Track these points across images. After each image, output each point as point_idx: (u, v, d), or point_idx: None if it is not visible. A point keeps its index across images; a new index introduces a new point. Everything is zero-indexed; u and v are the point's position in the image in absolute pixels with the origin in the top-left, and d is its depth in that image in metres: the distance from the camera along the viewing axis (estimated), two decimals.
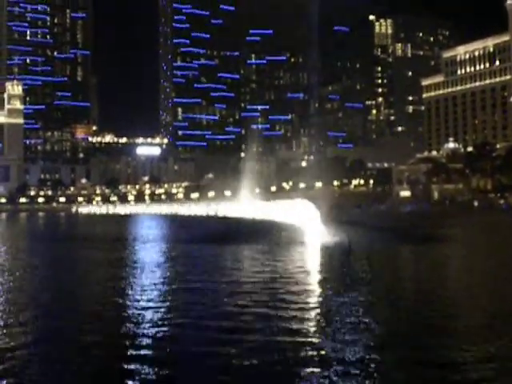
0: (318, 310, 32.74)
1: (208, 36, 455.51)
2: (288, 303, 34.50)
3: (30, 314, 33.63)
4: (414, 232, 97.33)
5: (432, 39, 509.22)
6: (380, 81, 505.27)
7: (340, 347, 25.21)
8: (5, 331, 29.15)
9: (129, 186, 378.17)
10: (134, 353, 25.49)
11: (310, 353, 24.56)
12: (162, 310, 34.04)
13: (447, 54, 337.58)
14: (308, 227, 72.08)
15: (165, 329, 29.48)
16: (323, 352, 24.67)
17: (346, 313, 31.71)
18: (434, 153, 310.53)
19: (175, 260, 60.36)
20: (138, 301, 36.75)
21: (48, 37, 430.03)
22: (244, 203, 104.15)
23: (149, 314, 32.43)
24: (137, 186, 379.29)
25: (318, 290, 39.77)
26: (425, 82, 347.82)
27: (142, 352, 25.58)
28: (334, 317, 30.89)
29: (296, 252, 63.29)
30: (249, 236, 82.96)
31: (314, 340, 26.53)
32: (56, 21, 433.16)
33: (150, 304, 35.54)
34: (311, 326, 29.04)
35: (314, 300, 36.02)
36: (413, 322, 30.40)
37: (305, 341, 26.27)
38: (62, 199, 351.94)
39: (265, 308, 33.33)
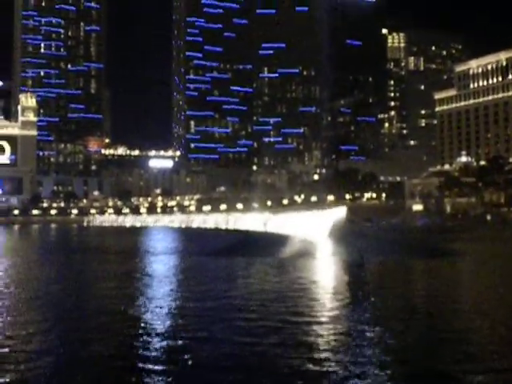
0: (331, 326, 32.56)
1: (221, 49, 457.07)
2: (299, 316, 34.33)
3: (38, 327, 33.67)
4: (426, 246, 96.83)
5: (445, 53, 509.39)
6: (392, 94, 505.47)
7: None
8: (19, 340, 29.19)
9: (141, 199, 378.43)
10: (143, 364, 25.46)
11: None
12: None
13: (460, 68, 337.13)
14: (320, 240, 71.86)
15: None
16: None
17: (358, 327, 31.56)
18: (447, 166, 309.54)
19: (186, 272, 60.29)
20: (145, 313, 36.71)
21: (62, 50, 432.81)
22: (256, 216, 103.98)
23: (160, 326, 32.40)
24: (149, 199, 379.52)
25: (328, 304, 39.54)
26: (437, 96, 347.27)
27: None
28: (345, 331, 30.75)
29: (307, 265, 63.01)
30: (261, 249, 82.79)
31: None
32: (70, 34, 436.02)
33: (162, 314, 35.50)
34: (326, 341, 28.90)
35: (325, 314, 35.84)
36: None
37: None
38: (75, 211, 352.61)
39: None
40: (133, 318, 35.61)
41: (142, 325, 33.47)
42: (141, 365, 25.69)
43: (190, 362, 26.07)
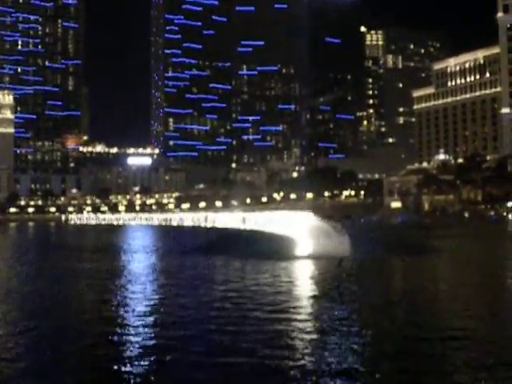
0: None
1: (200, 47, 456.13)
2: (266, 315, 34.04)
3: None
4: (405, 243, 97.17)
5: (423, 51, 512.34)
6: (371, 92, 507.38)
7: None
8: None
9: (119, 196, 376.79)
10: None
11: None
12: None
13: (438, 66, 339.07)
14: (299, 238, 71.58)
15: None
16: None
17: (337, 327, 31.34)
18: (425, 164, 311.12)
19: (163, 272, 59.85)
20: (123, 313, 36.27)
21: (39, 46, 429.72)
22: (235, 214, 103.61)
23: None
24: (127, 196, 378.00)
25: (308, 304, 39.29)
26: (416, 94, 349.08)
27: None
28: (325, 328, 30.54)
29: (286, 264, 62.76)
30: (238, 247, 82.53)
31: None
32: (47, 30, 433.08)
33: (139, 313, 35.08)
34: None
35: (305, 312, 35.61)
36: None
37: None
38: (53, 209, 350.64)
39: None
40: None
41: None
42: None
43: None
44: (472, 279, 50.90)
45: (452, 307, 37.11)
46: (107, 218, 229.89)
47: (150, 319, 34.22)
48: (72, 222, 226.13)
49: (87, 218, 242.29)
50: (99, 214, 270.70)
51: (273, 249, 75.61)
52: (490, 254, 78.81)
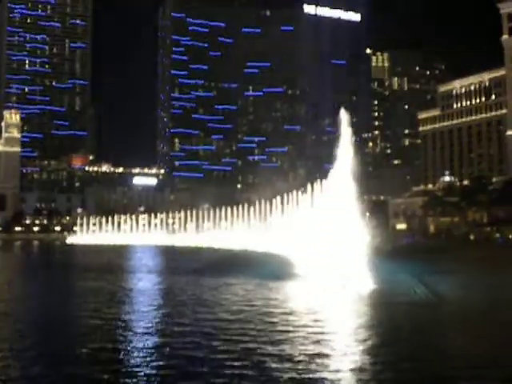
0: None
1: (206, 67, 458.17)
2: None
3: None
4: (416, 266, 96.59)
5: (428, 73, 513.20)
6: (376, 114, 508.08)
7: None
8: None
9: (124, 216, 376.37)
10: None
11: None
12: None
13: (443, 88, 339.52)
14: (305, 260, 71.16)
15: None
16: None
17: None
18: (430, 186, 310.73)
19: (167, 291, 59.58)
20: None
21: (46, 66, 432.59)
22: (240, 234, 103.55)
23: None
24: (133, 216, 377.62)
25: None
26: (421, 116, 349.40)
27: None
28: None
29: (291, 286, 62.25)
30: (243, 268, 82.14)
31: None
32: (55, 50, 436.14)
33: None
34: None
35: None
36: None
37: None
38: (58, 228, 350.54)
39: None
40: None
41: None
42: None
43: None
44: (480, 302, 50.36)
45: None
46: (112, 237, 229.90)
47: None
48: (77, 242, 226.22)
49: (92, 237, 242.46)
50: (104, 234, 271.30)
51: (275, 269, 75.16)
52: (496, 277, 77.86)
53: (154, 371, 27.45)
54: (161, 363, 28.81)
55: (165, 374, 26.81)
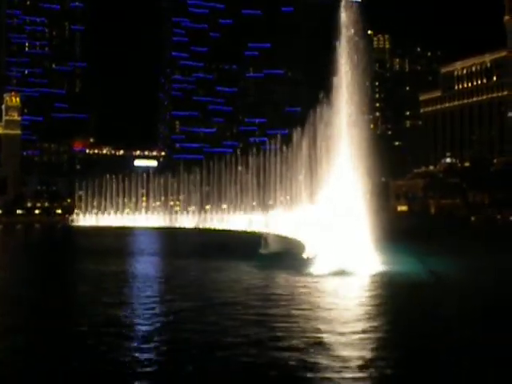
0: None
1: (206, 49, 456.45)
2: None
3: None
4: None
5: (430, 54, 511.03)
6: (377, 95, 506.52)
7: None
8: None
9: (125, 198, 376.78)
10: None
11: None
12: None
13: (445, 69, 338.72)
14: (306, 240, 70.93)
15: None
16: None
17: None
18: (431, 167, 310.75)
19: (168, 275, 59.84)
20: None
21: (46, 49, 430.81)
22: (241, 216, 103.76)
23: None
24: (133, 198, 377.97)
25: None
26: (422, 97, 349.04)
27: None
28: None
29: (295, 269, 61.95)
30: (244, 249, 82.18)
31: None
32: (54, 33, 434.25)
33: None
34: None
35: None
36: None
37: None
38: (59, 211, 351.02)
39: None
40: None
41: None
42: None
43: None
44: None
45: None
46: (113, 219, 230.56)
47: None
48: (78, 224, 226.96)
49: (93, 220, 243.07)
50: (105, 216, 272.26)
51: (277, 250, 74.90)
52: (497, 258, 77.71)
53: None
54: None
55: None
